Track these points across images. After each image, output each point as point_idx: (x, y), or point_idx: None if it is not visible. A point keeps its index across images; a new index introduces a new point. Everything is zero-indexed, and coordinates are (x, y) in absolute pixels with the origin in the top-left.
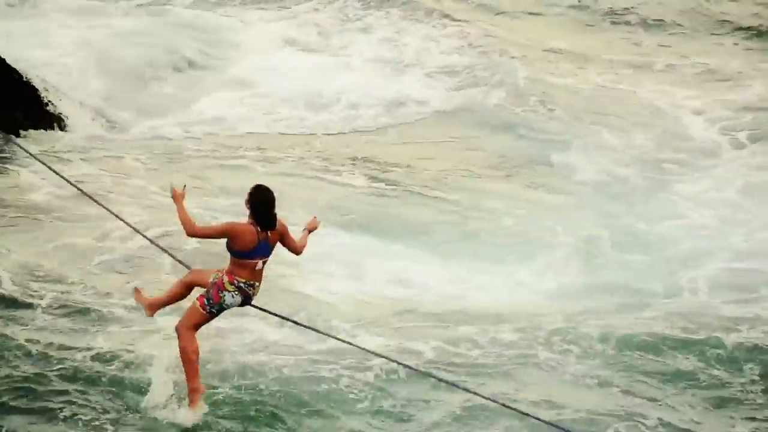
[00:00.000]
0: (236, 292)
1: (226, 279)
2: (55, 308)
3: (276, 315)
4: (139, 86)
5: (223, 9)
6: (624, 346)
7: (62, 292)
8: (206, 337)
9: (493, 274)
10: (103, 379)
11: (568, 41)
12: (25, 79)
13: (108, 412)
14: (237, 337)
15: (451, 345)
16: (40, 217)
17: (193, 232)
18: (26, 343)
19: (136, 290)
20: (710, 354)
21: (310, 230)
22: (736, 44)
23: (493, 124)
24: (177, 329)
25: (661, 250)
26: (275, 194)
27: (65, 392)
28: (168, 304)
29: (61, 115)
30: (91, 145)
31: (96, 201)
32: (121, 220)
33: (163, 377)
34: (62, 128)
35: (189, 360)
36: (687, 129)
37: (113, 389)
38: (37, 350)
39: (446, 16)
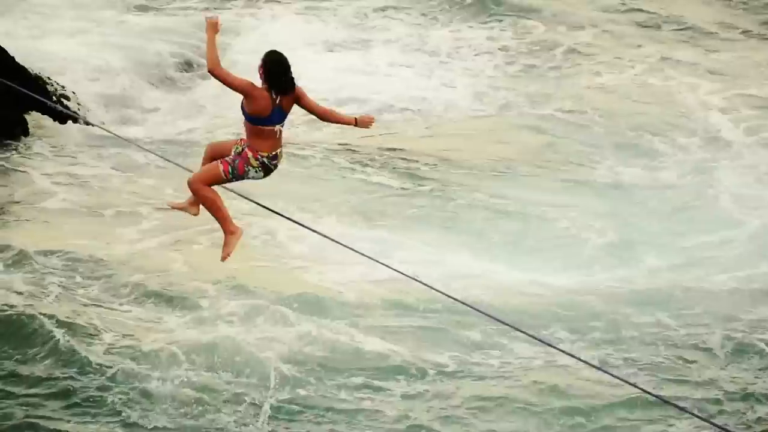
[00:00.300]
0: (259, 168)
1: (250, 155)
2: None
3: (284, 216)
4: (163, 84)
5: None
6: None
7: None
8: None
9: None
10: None
11: (598, 39)
12: (34, 74)
13: None
14: None
15: None
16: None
17: (214, 69)
18: None
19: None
20: None
21: (358, 124)
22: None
23: (523, 123)
24: (189, 183)
25: None
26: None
27: None
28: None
29: (78, 110)
30: (101, 143)
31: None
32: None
33: None
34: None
35: (215, 206)
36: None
37: None
38: None
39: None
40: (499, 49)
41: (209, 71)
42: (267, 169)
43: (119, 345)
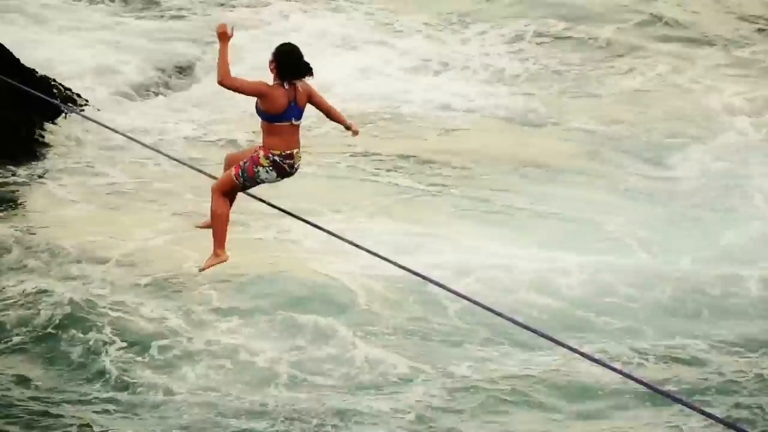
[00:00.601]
0: (270, 167)
1: (261, 153)
2: None
3: (307, 222)
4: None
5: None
6: None
7: None
8: None
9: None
10: None
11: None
12: (39, 76)
13: None
14: None
15: None
16: None
17: (224, 80)
18: None
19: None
20: None
21: (349, 127)
22: None
23: (549, 127)
24: (211, 189)
25: None
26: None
27: None
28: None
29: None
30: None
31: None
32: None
33: None
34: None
35: (218, 221)
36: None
37: None
38: None
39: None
40: (522, 49)
41: (219, 83)
42: (280, 169)
43: (132, 344)
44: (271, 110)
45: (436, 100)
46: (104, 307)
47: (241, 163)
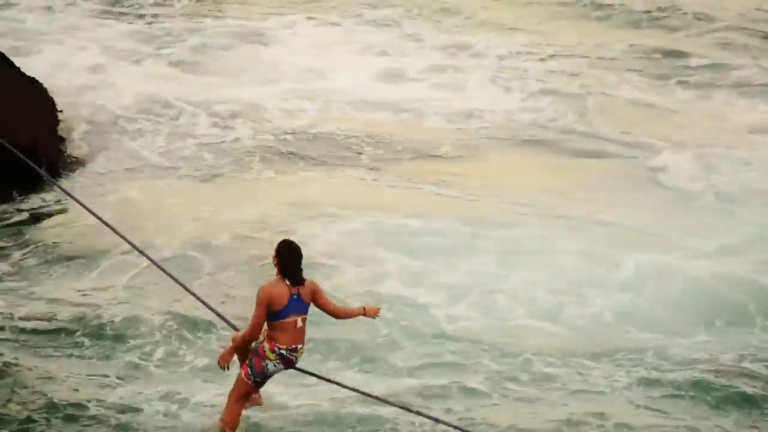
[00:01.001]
0: (278, 361)
1: (267, 347)
2: None
3: (321, 378)
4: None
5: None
6: None
7: None
8: None
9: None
10: None
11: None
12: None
13: None
14: None
15: None
16: None
17: (245, 337)
18: None
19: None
20: None
21: (366, 314)
22: None
23: (564, 140)
24: (228, 396)
25: None
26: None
27: None
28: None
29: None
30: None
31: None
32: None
33: None
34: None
35: (230, 426)
36: None
37: None
38: None
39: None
40: (541, 59)
41: (245, 342)
42: (287, 361)
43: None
44: (273, 308)
45: (452, 108)
46: None
47: (248, 361)
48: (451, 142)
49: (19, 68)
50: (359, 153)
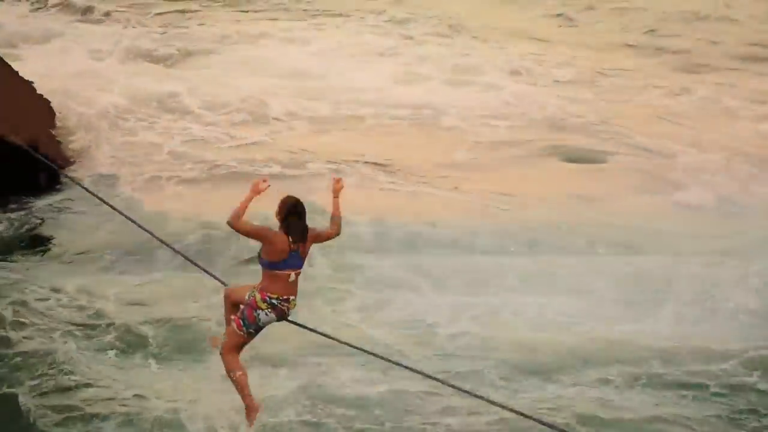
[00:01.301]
0: (269, 310)
1: (258, 296)
2: None
3: (316, 331)
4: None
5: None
6: None
7: None
8: None
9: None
10: None
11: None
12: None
13: None
14: None
15: None
16: None
17: (233, 223)
18: None
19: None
20: None
21: (336, 193)
22: None
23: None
24: (220, 353)
25: None
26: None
27: None
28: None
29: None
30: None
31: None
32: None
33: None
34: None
35: (238, 382)
36: None
37: None
38: None
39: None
40: (553, 68)
41: (228, 223)
42: (279, 311)
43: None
44: (271, 258)
45: (472, 108)
46: None
47: (239, 313)
48: (468, 146)
49: (17, 72)
50: (366, 154)
